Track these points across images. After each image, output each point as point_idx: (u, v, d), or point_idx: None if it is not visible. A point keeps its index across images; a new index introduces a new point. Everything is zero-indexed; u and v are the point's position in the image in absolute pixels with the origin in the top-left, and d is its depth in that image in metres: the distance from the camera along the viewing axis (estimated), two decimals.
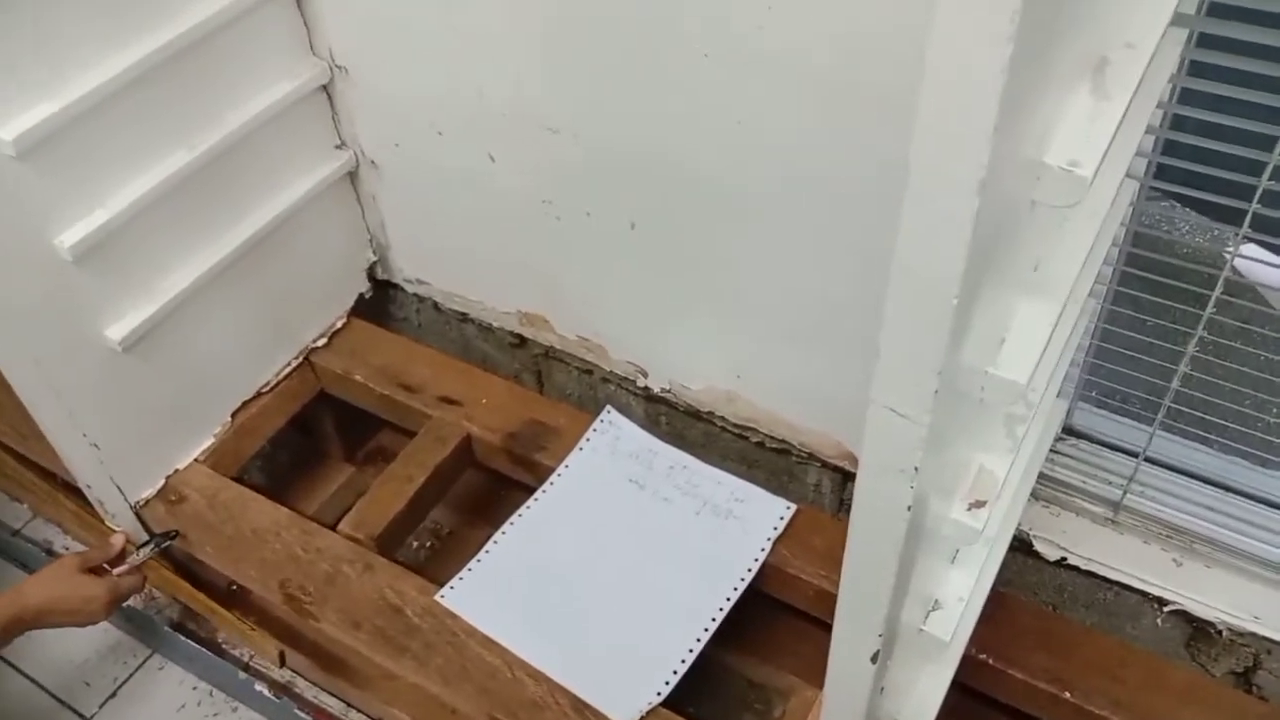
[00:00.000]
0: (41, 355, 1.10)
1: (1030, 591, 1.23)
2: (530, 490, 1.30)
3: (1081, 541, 1.17)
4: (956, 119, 0.42)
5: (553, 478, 1.29)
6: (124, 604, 1.28)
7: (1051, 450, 1.17)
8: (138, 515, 1.28)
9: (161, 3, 1.07)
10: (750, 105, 0.97)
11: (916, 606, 0.81)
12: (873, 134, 0.92)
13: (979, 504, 0.74)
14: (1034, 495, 1.17)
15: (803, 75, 0.92)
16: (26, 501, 1.60)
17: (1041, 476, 1.15)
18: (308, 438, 1.56)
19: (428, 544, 1.52)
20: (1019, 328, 0.65)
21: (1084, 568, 1.16)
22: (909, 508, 0.57)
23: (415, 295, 1.50)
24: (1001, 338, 0.64)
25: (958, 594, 0.85)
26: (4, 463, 1.51)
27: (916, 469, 0.55)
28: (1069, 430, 1.19)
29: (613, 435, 1.32)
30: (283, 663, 1.28)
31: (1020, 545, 1.18)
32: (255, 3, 1.14)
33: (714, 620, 1.13)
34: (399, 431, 1.48)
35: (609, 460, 1.30)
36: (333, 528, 1.27)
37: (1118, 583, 1.15)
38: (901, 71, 0.86)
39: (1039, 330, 0.65)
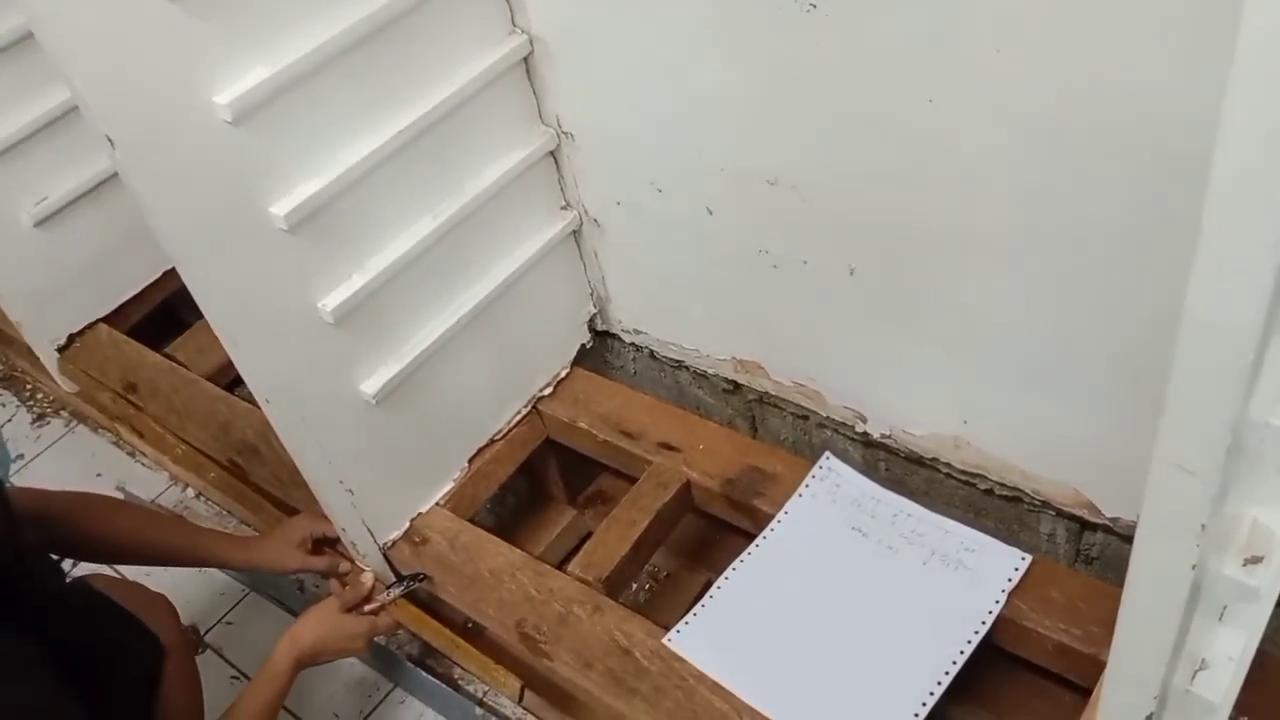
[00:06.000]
0: (308, 409, 1.20)
1: None
2: (747, 535, 1.31)
3: None
4: (1257, 179, 0.41)
5: (773, 524, 1.30)
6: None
7: None
8: (385, 556, 1.37)
9: (409, 86, 1.16)
10: (978, 150, 0.96)
11: (1184, 667, 0.77)
12: (1108, 175, 0.89)
13: (1255, 559, 0.70)
14: None
15: (1032, 117, 0.90)
16: None
17: None
18: (533, 481, 1.64)
19: (647, 586, 1.56)
20: None
21: None
22: (1193, 566, 0.55)
23: (632, 345, 1.55)
24: None
25: (1227, 653, 0.81)
26: (264, 508, 1.65)
27: (1204, 526, 0.53)
28: None
29: (832, 482, 1.32)
30: (522, 697, 1.34)
31: None
32: (490, 80, 1.22)
33: (947, 674, 1.11)
34: (618, 476, 1.53)
35: (830, 507, 1.29)
36: (559, 568, 1.33)
37: None
38: (1134, 108, 0.84)
39: None
